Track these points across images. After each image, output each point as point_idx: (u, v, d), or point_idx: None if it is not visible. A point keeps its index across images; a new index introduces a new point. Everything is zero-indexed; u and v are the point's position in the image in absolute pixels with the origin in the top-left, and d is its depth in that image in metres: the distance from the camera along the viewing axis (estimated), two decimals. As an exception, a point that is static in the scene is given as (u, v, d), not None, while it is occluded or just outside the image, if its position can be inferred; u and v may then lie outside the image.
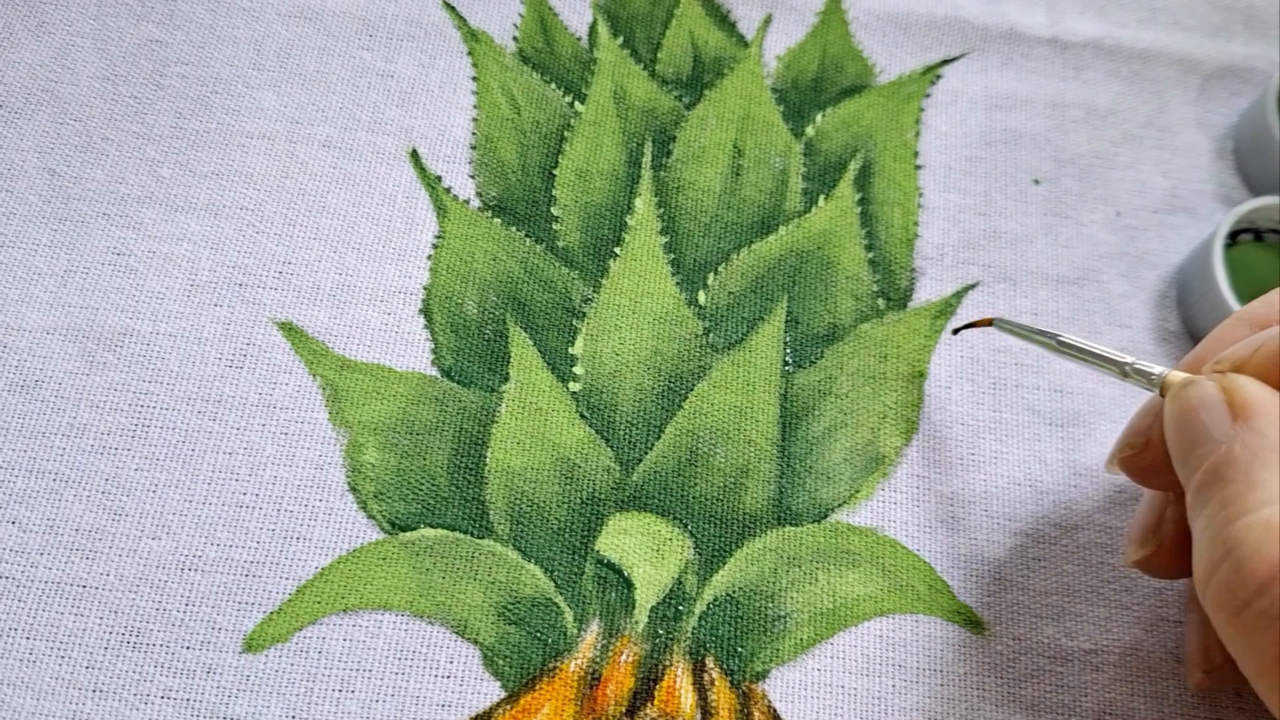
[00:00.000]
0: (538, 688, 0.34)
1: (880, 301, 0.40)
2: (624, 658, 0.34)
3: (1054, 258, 0.42)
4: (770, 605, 0.35)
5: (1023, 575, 0.36)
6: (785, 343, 0.39)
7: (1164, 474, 0.30)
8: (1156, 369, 0.30)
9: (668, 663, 0.34)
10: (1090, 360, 0.32)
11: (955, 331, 0.39)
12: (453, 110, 0.43)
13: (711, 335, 0.39)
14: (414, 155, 0.42)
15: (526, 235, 0.40)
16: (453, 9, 0.44)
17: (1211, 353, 0.30)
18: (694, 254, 0.41)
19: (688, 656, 0.34)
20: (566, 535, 0.36)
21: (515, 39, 0.44)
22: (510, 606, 0.35)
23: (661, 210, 0.41)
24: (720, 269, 0.40)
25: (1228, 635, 0.25)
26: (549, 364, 0.38)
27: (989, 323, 0.37)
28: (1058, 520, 0.37)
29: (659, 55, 0.44)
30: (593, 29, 0.45)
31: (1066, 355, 0.33)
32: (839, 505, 0.37)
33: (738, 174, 0.42)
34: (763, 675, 0.34)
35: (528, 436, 0.37)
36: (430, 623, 0.34)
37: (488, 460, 0.37)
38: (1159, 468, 0.30)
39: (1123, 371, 0.31)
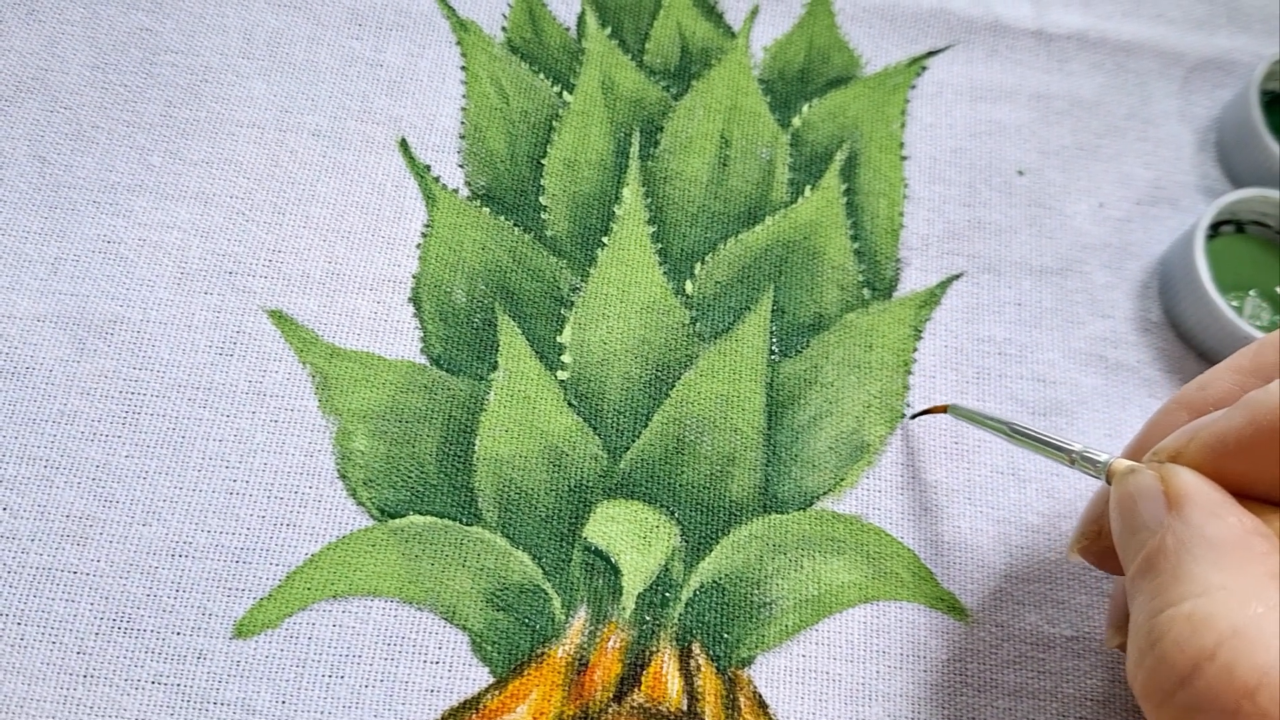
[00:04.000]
0: (526, 674, 0.34)
1: (865, 291, 0.41)
2: (611, 644, 0.34)
3: (1038, 248, 0.42)
4: (756, 592, 0.36)
5: (1006, 563, 0.37)
6: (771, 332, 0.39)
7: (1119, 560, 0.30)
8: (1102, 456, 0.30)
9: (654, 649, 0.35)
10: (1040, 448, 0.32)
11: (911, 417, 0.39)
12: (442, 100, 0.43)
13: (698, 324, 0.39)
14: (403, 144, 0.42)
15: (515, 224, 0.40)
16: (442, -1, 0.45)
17: (1152, 438, 0.30)
18: (681, 244, 0.41)
19: (674, 643, 0.35)
20: (554, 522, 0.36)
21: (504, 29, 0.44)
22: (498, 593, 0.35)
23: (649, 200, 0.41)
24: (707, 259, 0.41)
25: None
26: (537, 352, 0.38)
27: (944, 409, 0.37)
28: (1041, 508, 0.38)
29: (647, 46, 0.44)
30: (581, 19, 0.45)
31: (1018, 442, 0.33)
32: (824, 493, 0.37)
33: (725, 164, 0.42)
34: (748, 661, 0.35)
35: (516, 424, 0.37)
36: (419, 609, 0.34)
37: (476, 448, 0.37)
38: (1114, 554, 0.30)
39: (1070, 459, 0.30)
